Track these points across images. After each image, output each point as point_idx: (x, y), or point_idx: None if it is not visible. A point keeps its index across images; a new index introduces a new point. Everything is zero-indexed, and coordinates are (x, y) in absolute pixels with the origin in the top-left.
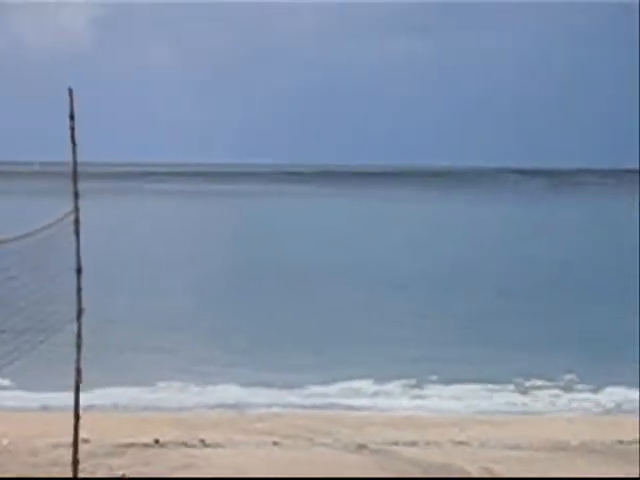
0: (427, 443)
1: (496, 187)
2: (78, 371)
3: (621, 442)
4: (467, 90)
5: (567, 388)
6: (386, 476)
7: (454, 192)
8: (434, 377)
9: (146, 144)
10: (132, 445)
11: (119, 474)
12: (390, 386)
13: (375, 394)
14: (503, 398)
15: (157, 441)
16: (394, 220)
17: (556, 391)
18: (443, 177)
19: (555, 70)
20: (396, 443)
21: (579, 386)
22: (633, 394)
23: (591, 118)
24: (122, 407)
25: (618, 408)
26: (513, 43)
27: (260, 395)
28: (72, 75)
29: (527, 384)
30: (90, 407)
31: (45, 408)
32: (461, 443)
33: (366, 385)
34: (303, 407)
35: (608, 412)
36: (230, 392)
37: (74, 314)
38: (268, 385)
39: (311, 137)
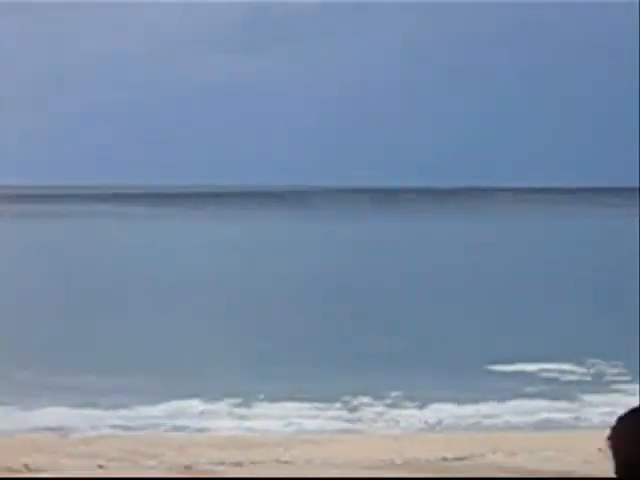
0: (252, 463)
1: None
2: None
3: (445, 459)
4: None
5: (393, 405)
6: None
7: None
8: (261, 396)
9: None
10: None
11: None
12: (216, 406)
13: (201, 414)
14: (328, 417)
15: None
16: (224, 239)
17: (382, 408)
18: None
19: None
20: (222, 463)
21: (405, 403)
22: (457, 409)
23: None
24: None
25: (442, 424)
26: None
27: (83, 417)
28: None
29: (354, 402)
30: None
31: None
32: (286, 462)
33: (192, 405)
34: (128, 429)
35: (432, 429)
36: (53, 415)
37: None
38: (92, 407)
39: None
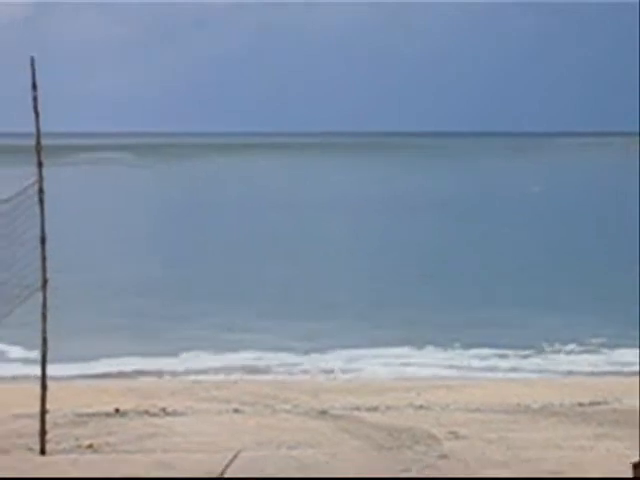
0: (388, 407)
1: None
2: (44, 340)
3: (581, 404)
4: None
5: (520, 352)
6: (353, 441)
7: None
8: (395, 341)
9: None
10: (94, 415)
11: (85, 444)
12: (332, 353)
13: (329, 360)
14: (456, 362)
15: (117, 410)
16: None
17: (519, 353)
18: None
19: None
20: (357, 408)
21: (531, 350)
22: (582, 357)
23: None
24: (74, 377)
25: (583, 370)
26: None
27: (216, 361)
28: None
29: (479, 349)
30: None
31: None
32: (422, 407)
33: (323, 348)
34: (261, 373)
35: (562, 375)
36: (189, 359)
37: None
38: (223, 351)
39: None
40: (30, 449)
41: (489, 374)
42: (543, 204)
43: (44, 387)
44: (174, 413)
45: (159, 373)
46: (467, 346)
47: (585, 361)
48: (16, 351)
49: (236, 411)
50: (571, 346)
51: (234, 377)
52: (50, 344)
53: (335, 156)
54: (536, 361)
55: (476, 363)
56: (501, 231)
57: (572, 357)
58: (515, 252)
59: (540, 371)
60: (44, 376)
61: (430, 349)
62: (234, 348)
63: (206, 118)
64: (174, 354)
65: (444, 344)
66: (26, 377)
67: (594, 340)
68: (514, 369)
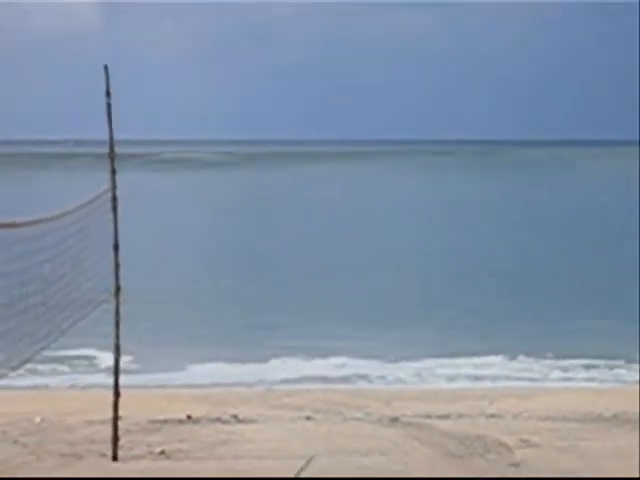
0: (459, 416)
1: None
2: (117, 348)
3: None
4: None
5: (586, 359)
6: (424, 449)
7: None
8: (464, 349)
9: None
10: (166, 422)
11: (157, 451)
12: (419, 363)
13: (397, 368)
14: (525, 371)
15: (190, 417)
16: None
17: (575, 362)
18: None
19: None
20: (429, 416)
21: (614, 356)
22: None
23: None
24: (148, 385)
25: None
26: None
27: (284, 370)
28: (80, 54)
29: (547, 357)
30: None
31: (73, 387)
32: (493, 415)
33: (397, 358)
34: (327, 381)
35: (632, 383)
36: (253, 367)
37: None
38: (294, 357)
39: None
40: (103, 455)
41: (562, 383)
42: (616, 211)
43: (117, 394)
44: (246, 420)
45: (236, 383)
46: (560, 357)
47: None
48: (107, 357)
49: (308, 418)
50: None
51: (307, 385)
52: (134, 350)
53: (403, 164)
54: (617, 371)
55: (556, 373)
56: (582, 240)
57: None
58: (609, 261)
59: (613, 380)
60: (117, 383)
61: (521, 359)
62: (314, 356)
63: (277, 126)
64: (257, 361)
65: (536, 354)
66: (103, 385)
67: None
68: (590, 378)
